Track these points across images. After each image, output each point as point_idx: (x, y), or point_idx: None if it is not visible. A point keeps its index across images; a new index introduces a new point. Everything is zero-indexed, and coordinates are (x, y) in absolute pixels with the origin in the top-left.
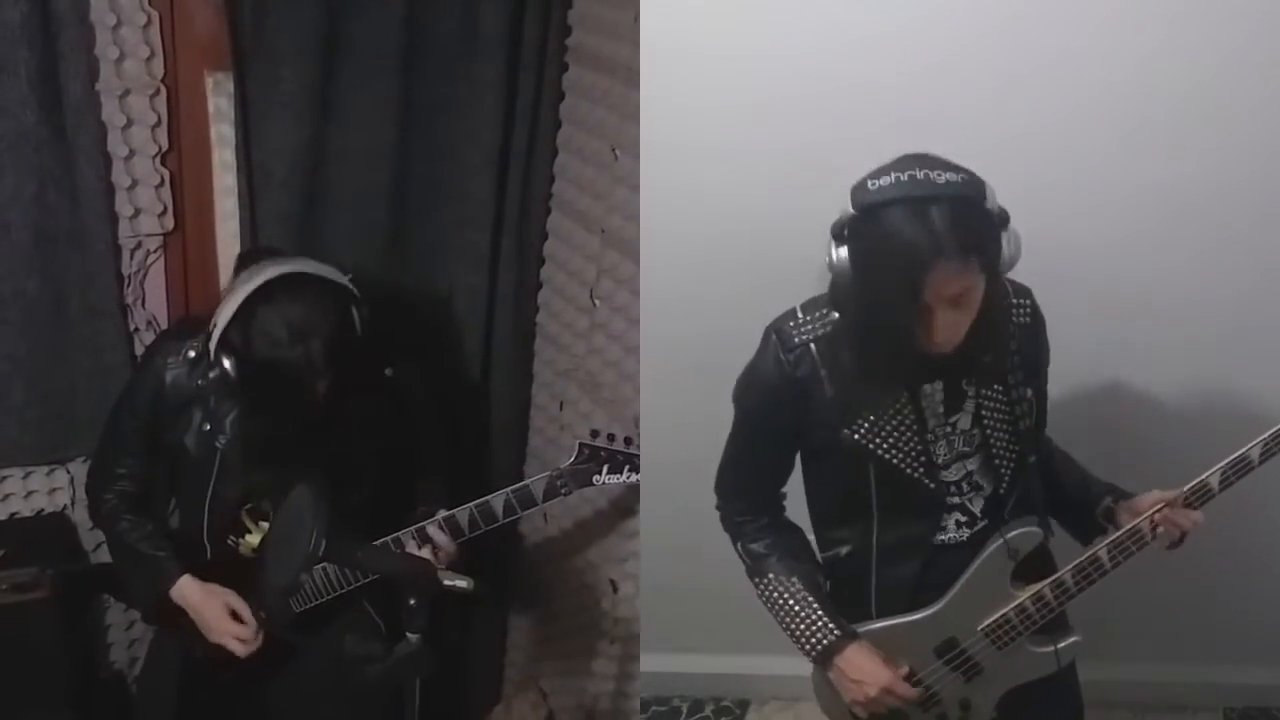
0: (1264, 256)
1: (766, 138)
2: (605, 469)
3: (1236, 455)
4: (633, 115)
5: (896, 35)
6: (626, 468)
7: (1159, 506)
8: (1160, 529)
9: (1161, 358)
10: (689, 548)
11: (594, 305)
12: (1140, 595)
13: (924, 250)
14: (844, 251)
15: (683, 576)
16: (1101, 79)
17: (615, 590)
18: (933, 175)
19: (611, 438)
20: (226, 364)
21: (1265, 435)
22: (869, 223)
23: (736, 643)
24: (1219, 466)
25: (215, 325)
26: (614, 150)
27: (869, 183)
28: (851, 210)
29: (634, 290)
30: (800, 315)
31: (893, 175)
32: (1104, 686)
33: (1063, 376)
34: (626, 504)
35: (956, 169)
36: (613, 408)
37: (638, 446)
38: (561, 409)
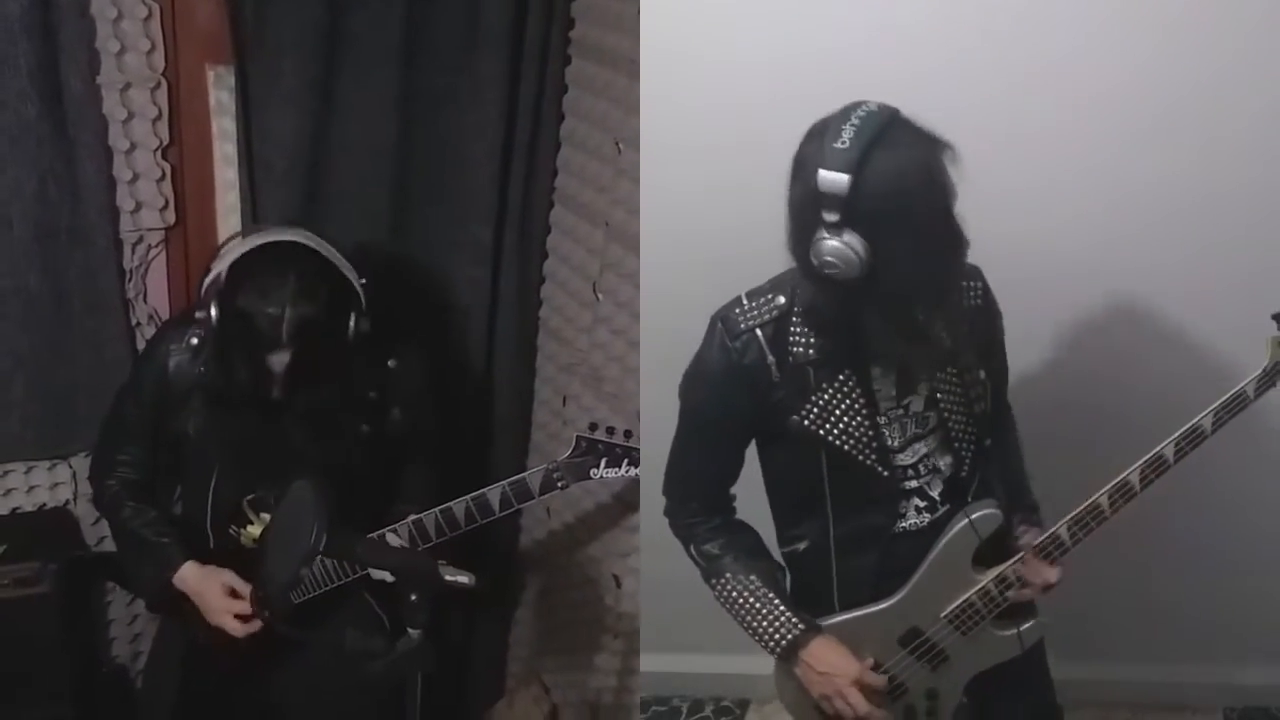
0: (1263, 255)
1: (766, 136)
2: (604, 463)
3: (1231, 394)
4: (636, 108)
5: (898, 36)
6: (625, 461)
7: (1016, 560)
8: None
9: (1160, 356)
10: None
11: (597, 299)
12: (1139, 595)
13: (942, 161)
14: (849, 237)
15: (683, 575)
16: (1100, 81)
17: (618, 585)
18: (865, 107)
19: (611, 431)
20: (212, 310)
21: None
22: (877, 174)
23: (736, 642)
24: (1211, 408)
25: (217, 262)
26: (617, 143)
27: (833, 145)
28: (843, 177)
29: (637, 284)
30: (746, 302)
31: (846, 127)
32: (1103, 686)
33: (1060, 374)
34: (629, 498)
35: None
36: (615, 402)
37: (638, 440)
38: (564, 404)
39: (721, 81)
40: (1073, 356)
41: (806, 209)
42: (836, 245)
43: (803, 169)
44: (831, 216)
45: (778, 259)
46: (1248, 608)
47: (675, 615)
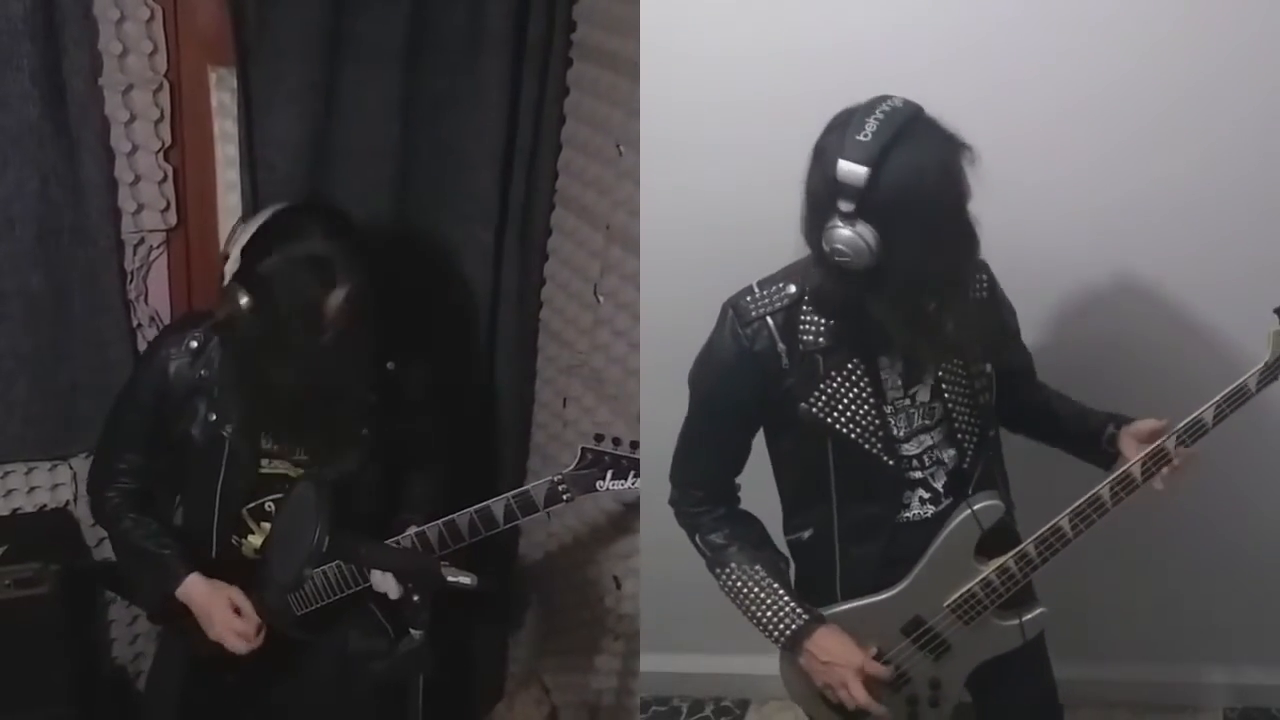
0: (1263, 255)
1: (767, 137)
2: (609, 474)
3: (1233, 387)
4: (637, 111)
5: (897, 36)
6: (631, 473)
7: (1146, 452)
8: (1157, 473)
9: (1160, 356)
10: (689, 546)
11: (598, 301)
12: (1140, 595)
13: (960, 163)
14: (862, 228)
15: (683, 576)
16: (1099, 79)
17: (618, 586)
18: (891, 102)
19: (616, 442)
20: (242, 300)
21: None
22: (895, 169)
23: (736, 643)
24: (1213, 401)
25: (229, 255)
26: (618, 146)
27: (855, 137)
28: (861, 170)
29: (638, 286)
30: (757, 291)
31: (870, 120)
32: (1104, 686)
33: (1060, 373)
34: (630, 499)
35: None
36: (616, 404)
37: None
38: (565, 405)
39: (722, 82)
40: (1070, 353)
41: (823, 196)
42: (849, 234)
43: (823, 157)
44: (847, 206)
45: (779, 259)
46: (1248, 608)
47: (676, 615)
